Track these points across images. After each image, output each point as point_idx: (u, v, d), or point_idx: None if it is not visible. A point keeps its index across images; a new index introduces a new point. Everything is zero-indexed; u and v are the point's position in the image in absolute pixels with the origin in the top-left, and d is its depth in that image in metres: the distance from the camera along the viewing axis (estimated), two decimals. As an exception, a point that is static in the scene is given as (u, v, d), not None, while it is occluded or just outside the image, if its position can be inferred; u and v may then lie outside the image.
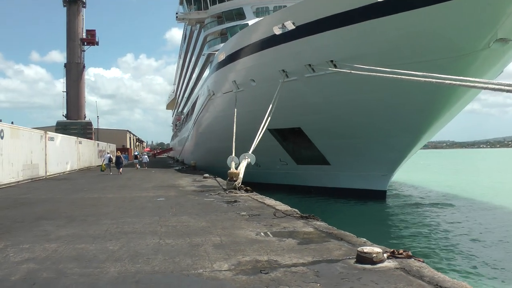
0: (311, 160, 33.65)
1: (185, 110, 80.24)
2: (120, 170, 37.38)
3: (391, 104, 26.05)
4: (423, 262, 6.90)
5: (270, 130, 25.93)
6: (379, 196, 30.99)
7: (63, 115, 78.17)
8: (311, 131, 31.63)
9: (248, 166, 21.66)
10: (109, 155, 42.87)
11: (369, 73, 19.98)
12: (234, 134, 25.81)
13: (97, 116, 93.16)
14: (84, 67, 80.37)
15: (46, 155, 31.89)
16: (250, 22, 38.50)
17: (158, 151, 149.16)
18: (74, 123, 75.10)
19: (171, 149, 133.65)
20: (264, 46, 29.75)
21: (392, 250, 7.19)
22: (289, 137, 33.91)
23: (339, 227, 10.30)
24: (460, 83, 14.82)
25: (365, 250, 6.72)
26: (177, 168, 48.37)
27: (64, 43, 79.21)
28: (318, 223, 10.65)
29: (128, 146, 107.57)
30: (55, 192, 20.58)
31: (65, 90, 78.02)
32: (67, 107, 77.87)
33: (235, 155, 22.83)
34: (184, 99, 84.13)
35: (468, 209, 29.35)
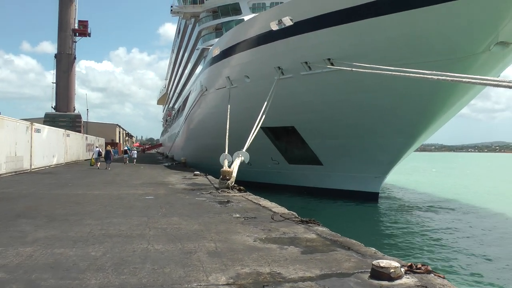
0: (303, 160, 33.18)
1: (176, 106, 79.45)
2: (108, 166, 36.77)
3: (387, 106, 25.63)
4: (444, 278, 6.12)
5: (262, 128, 25.33)
6: (372, 198, 30.53)
7: (52, 107, 77.03)
8: (305, 130, 31.12)
9: (241, 164, 20.88)
10: (98, 149, 42.35)
11: (371, 71, 19.36)
12: (227, 131, 25.02)
13: (87, 109, 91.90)
14: (75, 58, 79.13)
15: (31, 147, 30.80)
16: (246, 18, 37.76)
17: (148, 146, 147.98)
18: (63, 116, 73.96)
19: (160, 144, 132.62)
20: (260, 42, 29.22)
21: (409, 264, 6.39)
22: (282, 136, 33.36)
23: (331, 229, 9.78)
24: (470, 80, 14.29)
25: (381, 264, 5.90)
26: (166, 164, 47.41)
27: (56, 33, 77.93)
28: (320, 228, 9.85)
29: (117, 141, 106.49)
30: (39, 187, 19.60)
31: (54, 81, 76.70)
32: (56, 99, 76.70)
33: (227, 152, 22.09)
34: (176, 94, 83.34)
35: (464, 212, 29.00)
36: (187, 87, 61.04)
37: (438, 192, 41.36)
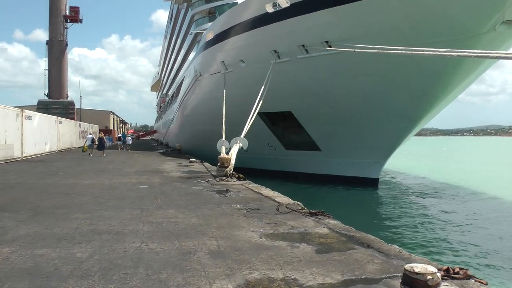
0: (301, 146, 32.52)
1: (170, 92, 78.44)
2: (103, 153, 36.34)
3: (387, 89, 24.94)
4: (486, 284, 5.24)
5: (259, 113, 24.55)
6: (371, 183, 29.95)
7: (44, 94, 75.64)
8: (302, 115, 30.38)
9: (239, 151, 20.00)
10: (91, 136, 41.53)
11: (375, 51, 18.40)
12: (224, 116, 24.13)
13: (80, 96, 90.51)
14: (67, 45, 77.58)
15: (22, 134, 29.75)
16: (240, 1, 36.69)
17: (142, 133, 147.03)
18: (55, 103, 72.62)
19: (155, 131, 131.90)
20: (255, 25, 28.28)
21: (445, 267, 5.47)
22: (279, 121, 32.62)
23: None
24: (481, 54, 13.54)
25: (415, 270, 4.95)
26: (161, 151, 46.48)
27: (48, 21, 76.23)
28: (332, 221, 8.97)
29: (111, 128, 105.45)
30: (28, 176, 18.58)
31: (47, 68, 75.36)
32: (49, 86, 75.37)
33: (225, 139, 21.23)
34: (169, 81, 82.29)
35: (467, 198, 28.27)
36: (181, 73, 60.01)
37: (442, 177, 40.50)
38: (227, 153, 19.11)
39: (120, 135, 61.57)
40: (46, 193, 13.11)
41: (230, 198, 12.37)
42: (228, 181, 16.43)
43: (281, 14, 25.19)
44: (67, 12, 77.52)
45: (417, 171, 47.26)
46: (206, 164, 25.53)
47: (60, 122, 43.44)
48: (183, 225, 8.48)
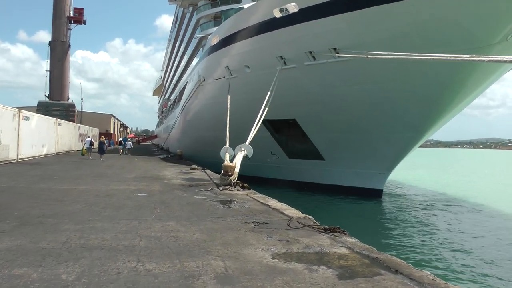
0: (304, 154, 31.76)
1: (173, 97, 77.80)
2: (102, 157, 35.70)
3: (395, 98, 24.30)
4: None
5: (262, 121, 23.89)
6: (375, 195, 29.14)
7: (45, 95, 74.88)
8: (307, 123, 29.66)
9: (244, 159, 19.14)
10: (90, 139, 40.91)
11: (388, 57, 17.73)
12: (228, 123, 23.32)
13: (81, 99, 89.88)
14: (69, 46, 76.98)
15: (19, 136, 28.90)
16: (246, 6, 35.98)
17: (142, 137, 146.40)
18: (56, 104, 71.91)
19: (155, 136, 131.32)
20: (261, 30, 27.63)
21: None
22: (283, 129, 31.89)
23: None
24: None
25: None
26: (161, 156, 45.71)
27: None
28: (349, 239, 8.08)
29: (112, 131, 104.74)
30: (20, 179, 17.67)
31: (48, 69, 74.64)
32: (50, 87, 74.72)
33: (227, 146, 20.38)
34: (172, 85, 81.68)
35: (469, 211, 27.62)
36: (184, 77, 59.23)
37: (447, 190, 39.54)
38: (231, 160, 18.22)
39: (121, 139, 60.99)
40: (37, 199, 12.21)
41: (235, 209, 11.48)
42: (232, 190, 15.52)
43: (288, 20, 24.50)
44: (71, 13, 76.92)
45: (420, 182, 46.26)
46: (208, 171, 24.73)
47: (59, 124, 42.61)
48: (184, 241, 7.60)
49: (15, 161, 28.03)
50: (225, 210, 11.39)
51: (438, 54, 17.39)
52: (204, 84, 38.65)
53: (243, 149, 18.95)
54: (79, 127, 57.63)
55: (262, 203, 12.62)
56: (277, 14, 24.06)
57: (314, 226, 9.01)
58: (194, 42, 51.32)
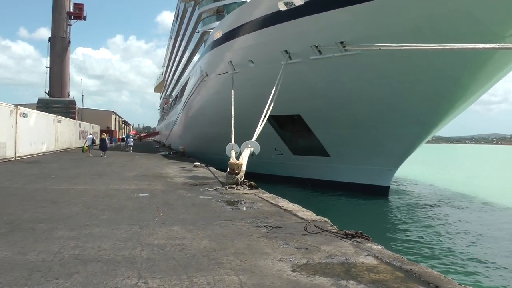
0: (309, 151, 31.11)
1: (174, 93, 77.06)
2: (104, 154, 35.15)
3: (403, 93, 23.63)
4: None
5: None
6: (382, 192, 28.39)
7: (45, 92, 74.14)
8: (312, 119, 28.99)
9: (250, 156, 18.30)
10: (91, 136, 40.41)
11: (403, 48, 16.96)
12: (233, 119, 22.53)
13: (82, 96, 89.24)
14: (69, 42, 76.15)
15: (16, 133, 28.05)
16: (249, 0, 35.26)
17: (144, 134, 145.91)
18: (56, 101, 71.22)
19: (157, 133, 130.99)
20: (266, 24, 26.87)
21: None
22: (287, 125, 31.22)
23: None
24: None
25: None
26: (163, 153, 44.94)
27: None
28: (375, 246, 7.23)
29: (113, 128, 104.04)
30: (15, 179, 16.81)
31: (48, 66, 73.84)
32: (50, 84, 74.03)
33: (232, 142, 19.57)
34: (174, 81, 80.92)
35: (477, 208, 26.85)
36: (186, 73, 58.50)
37: (457, 187, 38.61)
38: (237, 158, 17.36)
39: (124, 136, 60.37)
40: (31, 200, 11.36)
41: (245, 211, 10.65)
42: (239, 189, 14.67)
43: (293, 13, 23.76)
44: (71, 9, 76.09)
45: (424, 179, 45.36)
46: (212, 168, 23.93)
47: (59, 121, 41.82)
48: (192, 250, 6.75)
49: (12, 159, 27.21)
50: (234, 212, 10.56)
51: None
52: (207, 80, 37.95)
53: (249, 145, 18.06)
54: (80, 124, 56.85)
55: (272, 203, 11.78)
56: (282, 7, 23.30)
57: (333, 231, 8.16)
58: (196, 37, 50.50)
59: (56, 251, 6.49)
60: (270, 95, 22.18)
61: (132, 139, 52.07)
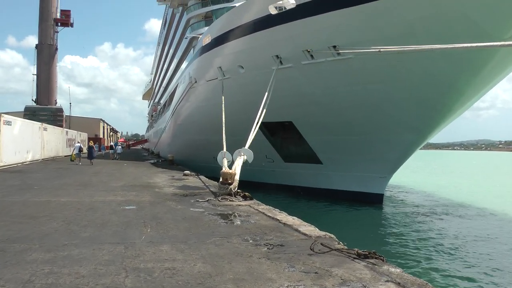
0: (300, 158, 30.53)
1: (163, 100, 76.36)
2: (91, 162, 34.87)
3: (397, 98, 23.19)
4: None
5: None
6: (375, 199, 27.88)
7: (32, 100, 72.84)
8: (304, 125, 28.43)
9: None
10: (79, 144, 39.83)
11: (404, 49, 16.37)
12: (224, 126, 21.74)
13: (70, 103, 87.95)
14: (56, 49, 74.92)
15: (0, 141, 27.06)
16: (238, 5, 34.55)
17: (132, 142, 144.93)
18: (43, 109, 69.95)
19: (146, 140, 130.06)
20: (256, 28, 26.29)
21: None
22: (278, 132, 30.62)
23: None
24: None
25: None
26: (152, 161, 43.96)
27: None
28: (393, 269, 6.35)
29: (101, 136, 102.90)
30: (-6, 190, 15.85)
31: (35, 73, 72.59)
32: (37, 92, 72.70)
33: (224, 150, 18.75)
34: (162, 89, 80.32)
35: (474, 216, 26.29)
36: (174, 79, 57.80)
37: (453, 195, 37.96)
38: (230, 166, 16.47)
39: (113, 143, 59.60)
40: (6, 216, 10.37)
41: (241, 226, 9.77)
42: (233, 200, 13.78)
43: (285, 17, 23.18)
44: (58, 16, 74.96)
45: (418, 186, 44.74)
46: (203, 177, 23.03)
47: (45, 129, 40.69)
48: (184, 275, 5.85)
49: (-5, 168, 26.17)
50: (229, 227, 9.66)
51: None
52: (196, 86, 37.25)
53: (242, 153, 17.19)
54: (67, 131, 55.69)
55: (269, 216, 10.89)
56: (273, 10, 22.60)
57: (343, 250, 7.28)
58: (184, 43, 49.84)
59: (26, 279, 5.55)
60: (261, 101, 21.45)
61: (120, 147, 51.29)
